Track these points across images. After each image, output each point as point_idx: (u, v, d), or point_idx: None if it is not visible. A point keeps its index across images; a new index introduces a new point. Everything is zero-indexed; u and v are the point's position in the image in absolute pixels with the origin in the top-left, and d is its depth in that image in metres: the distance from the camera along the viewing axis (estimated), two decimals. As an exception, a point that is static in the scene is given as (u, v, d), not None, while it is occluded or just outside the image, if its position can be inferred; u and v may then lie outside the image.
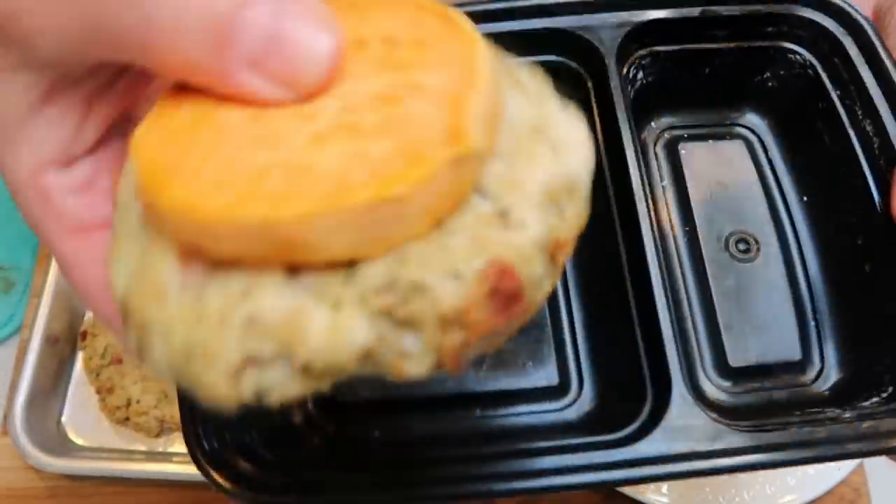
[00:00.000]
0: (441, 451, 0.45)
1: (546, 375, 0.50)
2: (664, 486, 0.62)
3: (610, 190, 0.49)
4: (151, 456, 0.76)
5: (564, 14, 0.50)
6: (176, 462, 0.73)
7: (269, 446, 0.43)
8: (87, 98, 0.30)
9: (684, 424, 0.41)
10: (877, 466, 0.67)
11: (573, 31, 0.50)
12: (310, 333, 0.23)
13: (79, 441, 0.77)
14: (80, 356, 0.80)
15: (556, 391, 0.50)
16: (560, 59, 0.52)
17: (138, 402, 0.75)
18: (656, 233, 0.46)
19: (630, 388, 0.45)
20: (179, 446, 0.76)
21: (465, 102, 0.24)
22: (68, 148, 0.31)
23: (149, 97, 0.34)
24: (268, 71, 0.25)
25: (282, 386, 0.24)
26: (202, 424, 0.41)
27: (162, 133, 0.26)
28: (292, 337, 0.23)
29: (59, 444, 0.76)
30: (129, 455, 0.76)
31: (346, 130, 0.24)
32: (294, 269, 0.24)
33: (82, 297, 0.32)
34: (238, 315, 0.23)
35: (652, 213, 0.47)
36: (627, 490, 0.61)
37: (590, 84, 0.52)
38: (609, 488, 0.62)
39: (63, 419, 0.78)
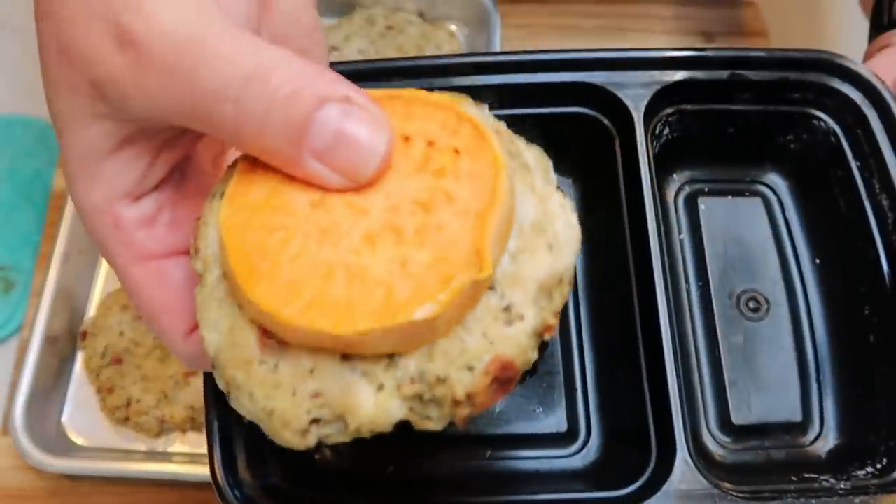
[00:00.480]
0: (451, 494, 0.48)
1: (556, 422, 0.53)
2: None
3: (628, 244, 0.52)
4: (151, 456, 0.78)
5: (597, 69, 0.54)
6: (176, 462, 0.76)
7: (292, 484, 0.47)
8: (158, 146, 0.36)
9: (686, 489, 0.44)
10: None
11: (603, 86, 0.54)
12: (359, 408, 0.32)
13: (79, 441, 0.79)
14: (80, 356, 0.83)
15: (565, 438, 0.53)
16: (589, 111, 0.55)
17: (138, 402, 0.78)
18: (670, 291, 0.49)
19: (635, 444, 0.48)
20: (179, 446, 0.79)
21: (487, 223, 0.32)
22: (138, 186, 0.36)
23: (206, 144, 0.41)
24: (332, 163, 0.32)
25: (336, 436, 0.33)
26: (230, 467, 0.45)
27: (243, 215, 0.33)
28: (346, 409, 0.32)
29: (59, 444, 0.78)
30: (129, 455, 0.78)
31: (391, 233, 0.32)
32: (347, 356, 0.32)
33: (145, 315, 0.39)
34: (307, 389, 0.32)
35: (667, 270, 0.50)
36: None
37: (616, 137, 0.55)
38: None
39: (63, 419, 0.80)
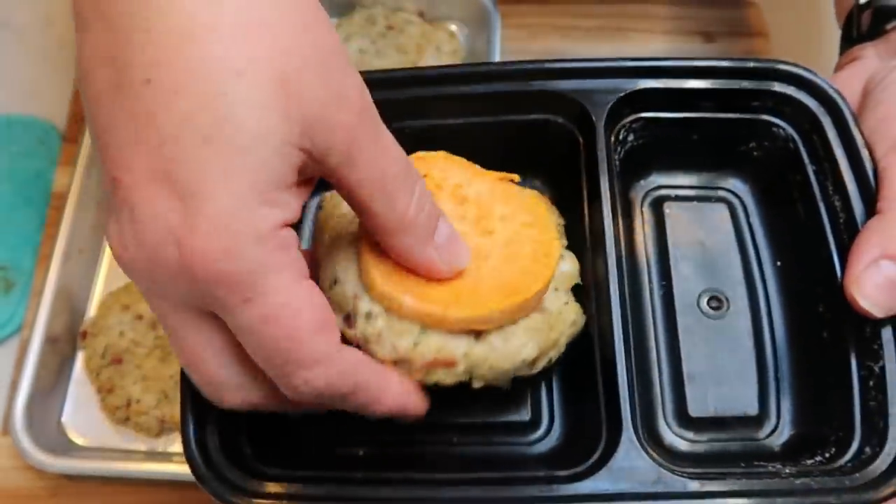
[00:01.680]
0: (417, 473, 0.56)
1: (519, 412, 0.62)
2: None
3: (588, 245, 0.61)
4: (151, 456, 0.84)
5: (564, 78, 0.63)
6: (176, 462, 0.82)
7: (262, 461, 0.55)
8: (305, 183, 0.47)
9: (629, 466, 0.52)
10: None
11: (567, 94, 0.63)
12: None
13: (79, 441, 0.86)
14: (80, 356, 0.89)
15: (528, 426, 0.61)
16: (556, 117, 0.65)
17: (138, 401, 0.84)
18: (625, 289, 0.58)
19: (590, 430, 0.56)
20: (179, 446, 0.79)
21: (553, 254, 0.55)
22: (294, 215, 0.46)
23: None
24: (444, 254, 0.50)
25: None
26: (202, 446, 0.54)
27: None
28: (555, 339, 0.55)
29: (59, 444, 0.84)
30: (129, 455, 0.84)
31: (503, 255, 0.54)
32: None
33: (306, 331, 0.45)
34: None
35: (623, 270, 0.59)
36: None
37: (581, 143, 0.64)
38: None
39: (63, 419, 0.87)
